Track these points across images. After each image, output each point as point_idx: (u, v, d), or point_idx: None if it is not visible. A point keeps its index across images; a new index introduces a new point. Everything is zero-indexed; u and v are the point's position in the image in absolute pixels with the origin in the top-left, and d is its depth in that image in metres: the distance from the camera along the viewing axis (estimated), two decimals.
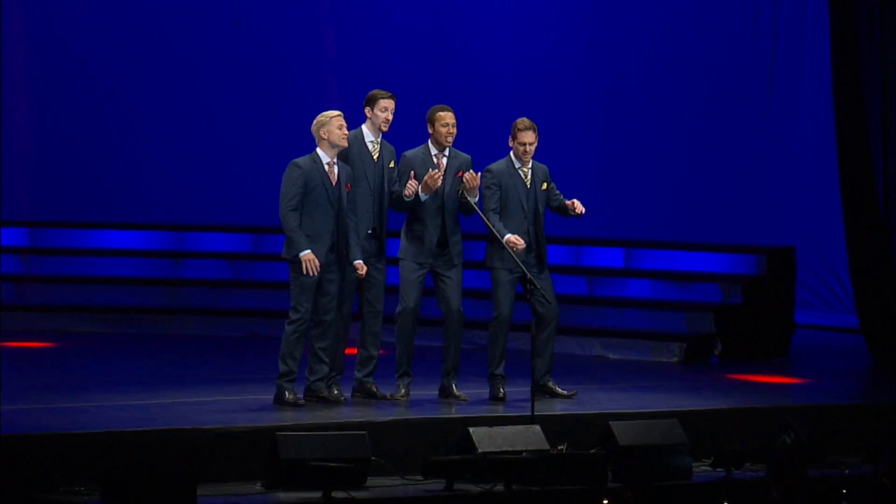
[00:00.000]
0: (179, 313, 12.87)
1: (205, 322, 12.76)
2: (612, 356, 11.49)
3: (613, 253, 12.70)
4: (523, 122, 8.77)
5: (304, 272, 8.18)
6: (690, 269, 12.21)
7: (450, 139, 8.64)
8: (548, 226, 8.89)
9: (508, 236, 8.57)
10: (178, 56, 14.38)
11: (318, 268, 8.20)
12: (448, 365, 8.73)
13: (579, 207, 8.74)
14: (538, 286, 8.40)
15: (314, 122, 8.38)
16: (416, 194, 8.48)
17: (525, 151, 8.70)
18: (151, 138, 14.42)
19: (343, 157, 8.51)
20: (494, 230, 8.53)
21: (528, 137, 8.70)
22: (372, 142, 8.65)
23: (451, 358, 8.72)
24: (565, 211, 8.83)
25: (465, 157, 8.79)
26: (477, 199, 8.60)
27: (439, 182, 8.46)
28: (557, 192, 8.89)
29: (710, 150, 13.54)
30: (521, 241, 8.57)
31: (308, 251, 8.21)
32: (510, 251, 8.48)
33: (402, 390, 8.74)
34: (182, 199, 14.36)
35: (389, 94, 8.60)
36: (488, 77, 14.16)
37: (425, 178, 8.43)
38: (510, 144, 8.79)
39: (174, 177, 14.43)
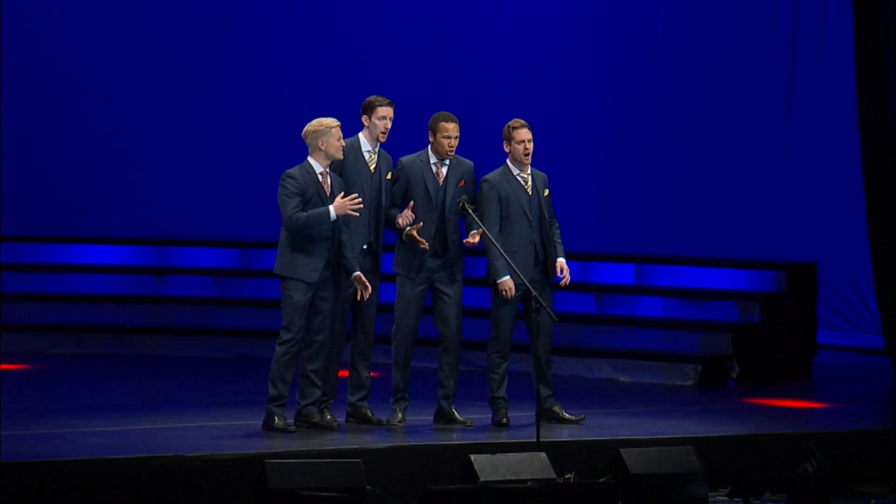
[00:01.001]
0: (162, 333, 12.87)
1: (189, 342, 12.76)
2: (622, 379, 11.48)
3: (624, 269, 12.71)
4: (516, 121, 8.76)
5: (334, 216, 8.14)
6: (706, 286, 12.21)
7: (451, 152, 8.64)
8: None
9: (504, 280, 8.56)
10: (160, 62, 14.41)
11: (357, 200, 8.18)
12: (447, 388, 8.73)
13: (565, 276, 8.69)
14: (544, 304, 8.39)
15: (308, 128, 8.36)
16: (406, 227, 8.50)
17: (525, 151, 8.66)
18: (132, 148, 14.44)
19: (336, 167, 8.52)
20: (496, 246, 8.53)
21: (526, 135, 8.68)
22: (369, 151, 8.65)
23: (451, 380, 8.72)
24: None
25: (468, 163, 8.79)
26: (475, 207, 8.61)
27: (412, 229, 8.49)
28: (552, 210, 8.86)
29: (727, 160, 13.55)
30: (514, 290, 8.58)
31: (330, 210, 8.17)
32: (514, 267, 8.47)
33: (399, 415, 8.74)
34: (165, 211, 14.38)
35: (388, 100, 8.60)
36: (491, 81, 14.18)
37: (409, 229, 8.45)
38: (506, 150, 8.77)
39: (156, 188, 14.45)
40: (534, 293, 8.38)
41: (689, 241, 13.27)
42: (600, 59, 13.96)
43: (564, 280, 8.72)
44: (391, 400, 8.78)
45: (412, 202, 8.54)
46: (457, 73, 14.29)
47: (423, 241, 8.52)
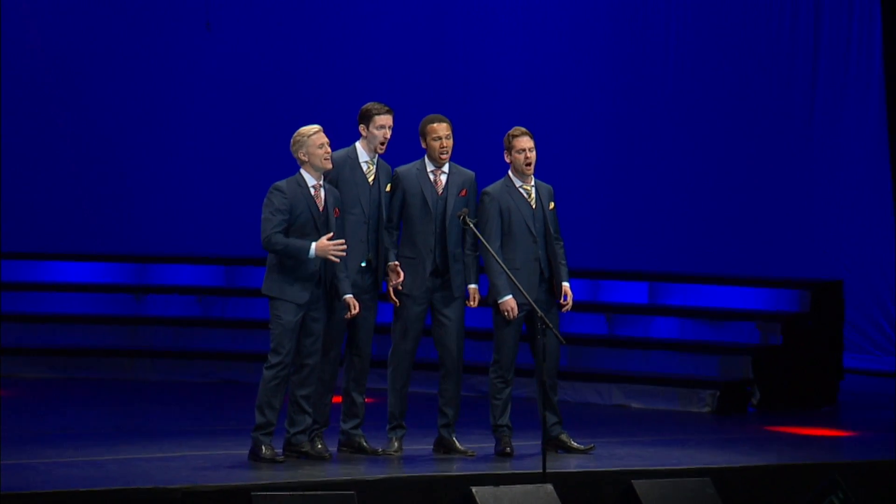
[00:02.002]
0: (141, 356, 12.87)
1: (170, 366, 12.76)
2: (634, 405, 11.47)
3: (636, 287, 12.71)
4: (516, 129, 8.76)
5: (313, 254, 8.14)
6: (724, 305, 12.21)
7: (444, 155, 8.64)
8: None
9: (506, 300, 8.58)
10: (139, 70, 14.42)
11: (342, 246, 8.20)
12: (447, 415, 8.71)
13: (569, 302, 8.70)
14: (550, 325, 8.37)
15: (291, 142, 8.37)
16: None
17: (527, 160, 8.66)
18: (109, 157, 14.45)
19: (333, 179, 8.50)
20: (498, 262, 8.52)
21: (527, 143, 8.68)
22: (367, 162, 8.64)
23: (450, 407, 8.70)
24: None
25: (469, 174, 8.78)
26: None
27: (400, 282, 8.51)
28: (557, 225, 8.83)
29: (744, 171, 13.56)
30: (516, 310, 8.59)
31: (313, 246, 8.18)
32: (518, 286, 8.46)
33: (395, 444, 8.72)
34: (145, 225, 14.38)
35: (386, 108, 8.58)
36: (493, 87, 14.20)
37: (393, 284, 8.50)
38: (507, 160, 8.77)
39: (135, 200, 14.45)
40: (539, 313, 8.36)
41: (705, 258, 13.28)
42: (609, 61, 13.97)
43: (567, 306, 8.73)
44: (387, 428, 8.76)
45: (395, 263, 8.53)
46: (457, 78, 14.30)
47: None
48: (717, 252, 13.41)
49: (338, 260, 8.25)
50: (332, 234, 8.30)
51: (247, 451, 8.39)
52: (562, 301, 8.73)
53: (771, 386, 11.40)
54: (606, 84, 14.02)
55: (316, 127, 8.36)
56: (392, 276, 8.57)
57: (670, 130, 13.77)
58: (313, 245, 8.22)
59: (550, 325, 8.38)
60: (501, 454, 8.71)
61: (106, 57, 14.43)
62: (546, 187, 8.82)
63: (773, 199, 13.49)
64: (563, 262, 8.78)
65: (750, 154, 13.58)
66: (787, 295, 11.99)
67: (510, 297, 8.60)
